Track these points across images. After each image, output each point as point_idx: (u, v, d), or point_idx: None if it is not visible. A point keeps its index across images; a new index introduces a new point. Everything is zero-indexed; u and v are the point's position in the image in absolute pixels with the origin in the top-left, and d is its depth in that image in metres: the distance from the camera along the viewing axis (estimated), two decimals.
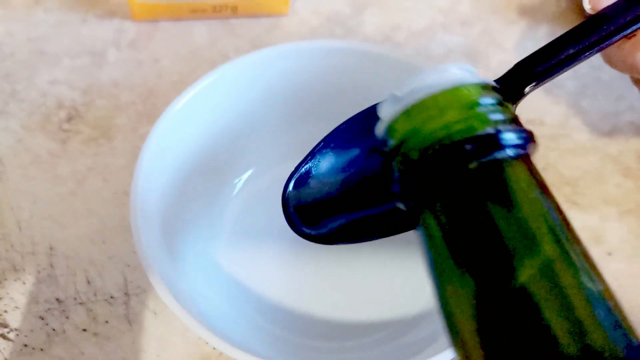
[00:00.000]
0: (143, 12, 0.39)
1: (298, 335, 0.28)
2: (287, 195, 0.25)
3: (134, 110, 0.36)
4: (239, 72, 0.29)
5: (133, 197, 0.25)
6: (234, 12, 0.40)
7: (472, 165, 0.18)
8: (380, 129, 0.22)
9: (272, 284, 0.30)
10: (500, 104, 0.20)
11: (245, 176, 0.32)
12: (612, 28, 0.23)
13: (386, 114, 0.21)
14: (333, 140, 0.26)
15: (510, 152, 0.18)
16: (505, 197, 0.18)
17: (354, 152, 0.26)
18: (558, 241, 0.17)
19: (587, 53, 0.23)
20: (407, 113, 0.20)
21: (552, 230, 0.17)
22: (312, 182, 0.26)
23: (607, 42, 0.23)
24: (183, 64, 0.38)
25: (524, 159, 0.19)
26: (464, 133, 0.19)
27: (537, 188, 0.18)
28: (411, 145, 0.20)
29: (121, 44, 0.39)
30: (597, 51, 0.23)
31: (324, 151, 0.26)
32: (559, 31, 0.36)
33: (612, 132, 0.36)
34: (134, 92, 0.37)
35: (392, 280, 0.30)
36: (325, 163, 0.26)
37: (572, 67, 0.23)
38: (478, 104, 0.19)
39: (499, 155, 0.18)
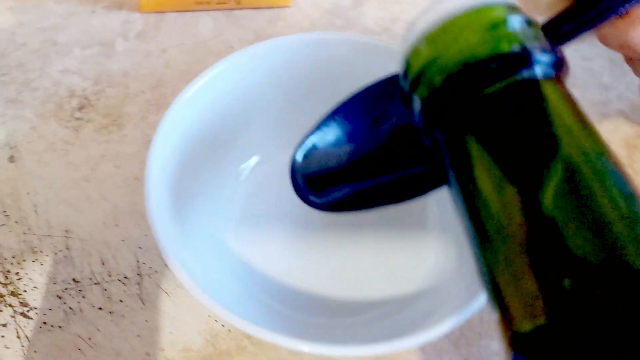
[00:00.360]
0: (149, 4, 0.41)
1: (301, 312, 0.30)
2: (294, 165, 0.26)
3: (143, 99, 0.38)
4: (244, 63, 0.31)
5: (147, 182, 0.27)
6: (238, 3, 0.41)
7: (498, 85, 0.17)
8: (399, 65, 0.21)
9: (277, 264, 0.31)
10: (528, 23, 0.19)
11: (251, 162, 0.34)
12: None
13: (405, 47, 0.20)
14: (339, 113, 0.26)
15: (539, 70, 0.17)
16: (538, 115, 0.17)
17: (360, 123, 0.26)
18: (590, 154, 0.16)
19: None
20: (428, 40, 0.19)
21: (585, 148, 0.16)
22: (319, 153, 0.26)
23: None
24: (189, 54, 0.40)
25: (555, 80, 0.18)
26: (489, 52, 0.17)
27: (570, 109, 0.17)
28: (434, 72, 0.18)
29: (129, 34, 0.40)
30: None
31: (330, 123, 0.26)
32: None
33: (601, 121, 0.38)
34: (142, 82, 0.38)
35: (392, 260, 0.32)
36: (331, 134, 0.26)
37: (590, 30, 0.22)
38: (504, 23, 0.18)
39: (527, 73, 0.17)
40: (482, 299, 0.23)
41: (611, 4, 0.22)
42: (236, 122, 0.32)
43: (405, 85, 0.20)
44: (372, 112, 0.26)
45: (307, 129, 0.29)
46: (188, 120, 0.30)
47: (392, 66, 0.31)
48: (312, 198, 0.26)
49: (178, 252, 0.26)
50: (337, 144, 0.26)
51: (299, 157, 0.26)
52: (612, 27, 0.27)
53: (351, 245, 0.32)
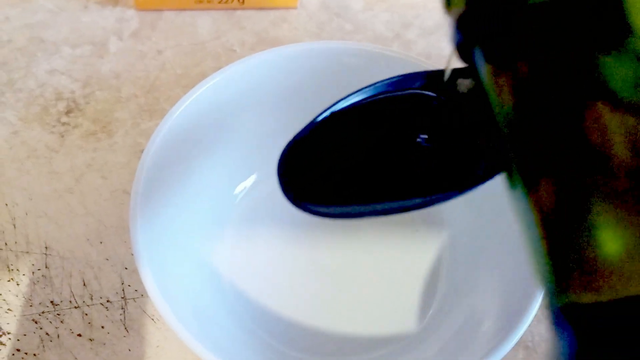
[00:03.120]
0: (146, 1, 0.38)
1: (297, 349, 0.27)
2: (282, 164, 0.24)
3: (135, 104, 0.35)
4: (245, 72, 0.28)
5: (133, 198, 0.24)
6: (241, 3, 0.39)
7: None
8: None
9: (273, 294, 0.29)
10: None
11: (249, 181, 0.31)
12: None
13: None
14: (327, 113, 0.24)
15: None
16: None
17: (350, 124, 0.24)
18: None
19: None
20: None
21: None
22: (309, 153, 0.25)
23: None
24: (186, 56, 0.37)
25: None
26: None
27: None
28: None
29: (123, 33, 0.38)
30: None
31: (319, 123, 0.25)
32: None
33: None
34: (135, 85, 0.36)
35: (401, 291, 0.29)
36: (322, 134, 0.24)
37: None
38: None
39: None
40: (512, 342, 0.21)
41: None
42: (235, 136, 0.30)
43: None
44: (370, 115, 0.24)
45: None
46: (182, 133, 0.27)
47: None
48: (302, 202, 0.24)
49: (160, 277, 0.23)
50: (328, 143, 0.25)
51: (287, 157, 0.24)
52: None
53: (356, 274, 0.29)
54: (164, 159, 0.26)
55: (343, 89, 0.30)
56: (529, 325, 0.30)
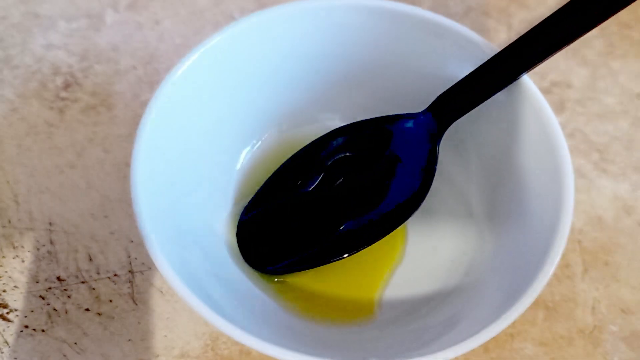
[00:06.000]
0: None
1: (313, 323, 0.26)
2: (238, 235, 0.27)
3: (134, 75, 0.34)
4: (244, 34, 0.27)
5: (133, 169, 0.23)
6: None
7: None
8: None
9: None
10: None
11: (252, 147, 0.30)
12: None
13: None
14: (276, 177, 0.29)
15: None
16: None
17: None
18: None
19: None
20: None
21: None
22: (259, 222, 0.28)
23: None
24: (185, 25, 0.36)
25: None
26: None
27: None
28: None
29: (119, 5, 0.37)
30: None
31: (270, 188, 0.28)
32: None
33: None
34: (134, 57, 0.35)
35: (414, 255, 0.28)
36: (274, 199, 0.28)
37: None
38: None
39: None
40: (523, 305, 0.20)
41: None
42: (237, 101, 0.29)
43: None
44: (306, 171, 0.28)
45: (315, 104, 0.26)
46: (182, 99, 0.26)
47: (410, 34, 0.28)
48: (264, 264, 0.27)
49: (168, 249, 0.22)
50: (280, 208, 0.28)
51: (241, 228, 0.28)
52: None
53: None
54: (163, 127, 0.25)
55: (345, 46, 0.29)
56: (549, 285, 0.29)
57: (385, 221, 0.26)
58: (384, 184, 0.27)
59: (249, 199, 0.28)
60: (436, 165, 0.26)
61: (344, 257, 0.27)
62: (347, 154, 0.28)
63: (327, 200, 0.28)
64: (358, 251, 0.27)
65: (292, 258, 0.27)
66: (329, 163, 0.28)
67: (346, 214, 0.27)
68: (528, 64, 0.24)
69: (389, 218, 0.26)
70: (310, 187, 0.28)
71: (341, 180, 0.28)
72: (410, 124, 0.27)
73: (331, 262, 0.27)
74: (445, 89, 0.26)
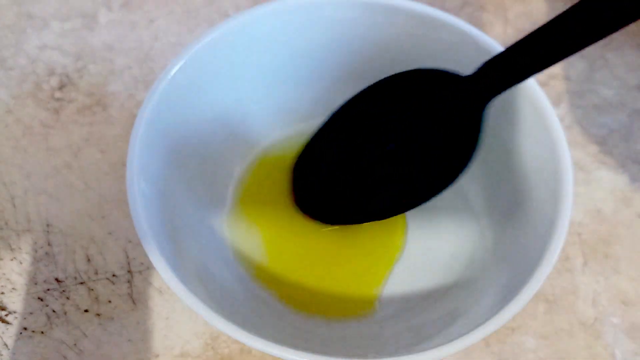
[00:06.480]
0: None
1: (305, 311, 0.26)
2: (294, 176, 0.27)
3: (129, 75, 0.34)
4: (238, 31, 0.27)
5: (129, 168, 0.23)
6: None
7: None
8: None
9: (278, 258, 0.28)
10: None
11: (248, 144, 0.30)
12: None
13: None
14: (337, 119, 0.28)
15: None
16: None
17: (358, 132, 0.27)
18: None
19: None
20: None
21: None
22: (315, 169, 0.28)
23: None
24: (180, 24, 0.36)
25: None
26: None
27: None
28: None
29: (113, 4, 0.36)
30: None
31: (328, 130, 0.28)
32: None
33: None
34: (128, 56, 0.35)
35: (415, 248, 0.28)
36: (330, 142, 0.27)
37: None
38: None
39: None
40: (524, 298, 0.20)
41: None
42: (230, 99, 0.29)
43: None
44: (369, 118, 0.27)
45: (316, 102, 0.26)
46: (178, 97, 0.26)
47: (406, 28, 0.27)
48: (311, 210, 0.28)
49: (165, 248, 0.22)
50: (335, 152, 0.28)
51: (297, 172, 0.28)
52: None
53: (357, 239, 0.28)
54: (158, 126, 0.25)
55: (342, 41, 0.29)
56: (549, 278, 0.29)
57: (424, 187, 0.26)
58: (427, 149, 0.25)
59: (299, 153, 0.29)
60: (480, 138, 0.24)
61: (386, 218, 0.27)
62: (398, 107, 0.27)
63: (377, 158, 0.27)
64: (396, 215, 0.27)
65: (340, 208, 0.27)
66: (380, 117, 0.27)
67: (392, 176, 0.26)
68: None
69: (429, 185, 0.25)
70: (361, 143, 0.27)
71: (390, 136, 0.26)
72: (460, 88, 0.25)
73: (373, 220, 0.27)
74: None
